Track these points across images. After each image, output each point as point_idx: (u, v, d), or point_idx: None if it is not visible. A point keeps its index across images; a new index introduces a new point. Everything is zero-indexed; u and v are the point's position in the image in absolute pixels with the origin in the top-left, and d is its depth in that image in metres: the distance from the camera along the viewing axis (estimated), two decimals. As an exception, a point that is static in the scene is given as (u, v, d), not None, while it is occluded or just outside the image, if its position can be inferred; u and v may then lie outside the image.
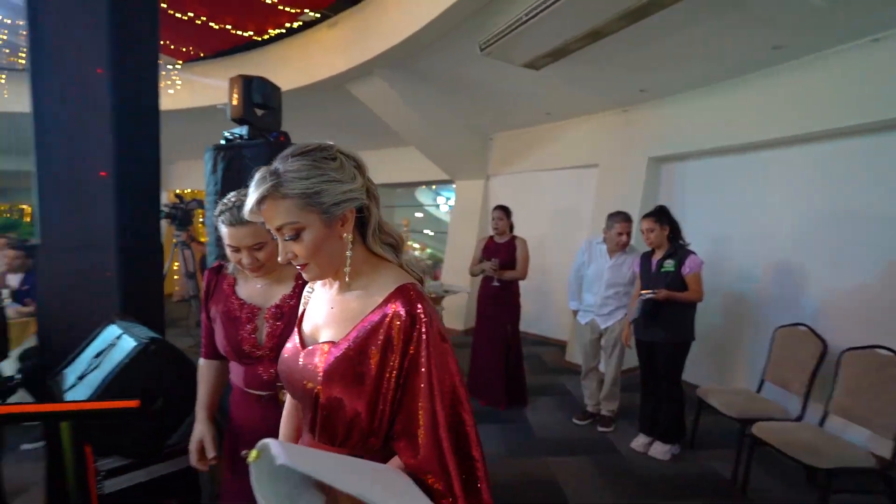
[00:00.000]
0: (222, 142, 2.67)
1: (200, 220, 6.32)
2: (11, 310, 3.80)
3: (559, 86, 4.65)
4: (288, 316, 1.38)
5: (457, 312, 6.38)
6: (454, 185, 7.06)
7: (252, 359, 1.37)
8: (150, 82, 2.42)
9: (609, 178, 5.29)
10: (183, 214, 5.18)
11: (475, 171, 6.65)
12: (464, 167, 6.65)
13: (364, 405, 0.87)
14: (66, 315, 2.16)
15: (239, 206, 1.28)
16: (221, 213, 1.31)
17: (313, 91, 5.52)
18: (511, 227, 3.93)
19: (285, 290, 1.42)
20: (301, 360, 0.94)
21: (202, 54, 6.25)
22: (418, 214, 8.51)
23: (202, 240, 5.94)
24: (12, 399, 2.30)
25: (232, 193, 1.34)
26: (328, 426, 0.91)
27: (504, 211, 3.88)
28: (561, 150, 5.90)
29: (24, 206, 13.60)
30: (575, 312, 3.79)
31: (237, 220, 1.29)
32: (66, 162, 2.13)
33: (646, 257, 3.22)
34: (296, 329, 1.03)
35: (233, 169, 2.53)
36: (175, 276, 6.91)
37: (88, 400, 1.55)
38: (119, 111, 2.16)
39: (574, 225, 5.74)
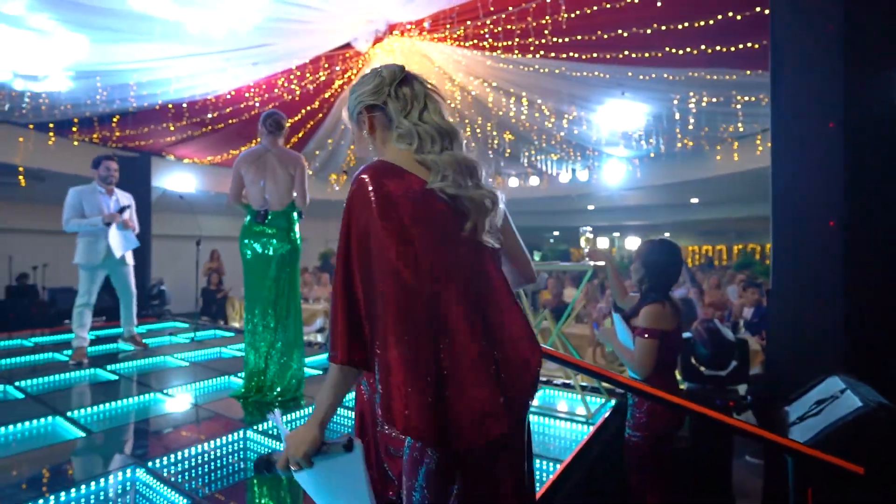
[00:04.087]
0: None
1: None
2: (748, 338, 4.47)
3: None
4: None
5: None
6: None
7: None
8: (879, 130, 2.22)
9: None
10: None
11: None
12: None
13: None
14: (790, 354, 2.35)
15: None
16: None
17: None
18: None
19: None
20: None
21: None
22: None
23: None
24: (743, 416, 2.76)
25: None
26: None
27: None
28: None
29: (755, 246, 15.52)
30: None
31: None
32: (797, 212, 2.33)
33: None
34: None
35: None
36: None
37: (805, 443, 1.65)
38: (849, 163, 2.15)
39: None
